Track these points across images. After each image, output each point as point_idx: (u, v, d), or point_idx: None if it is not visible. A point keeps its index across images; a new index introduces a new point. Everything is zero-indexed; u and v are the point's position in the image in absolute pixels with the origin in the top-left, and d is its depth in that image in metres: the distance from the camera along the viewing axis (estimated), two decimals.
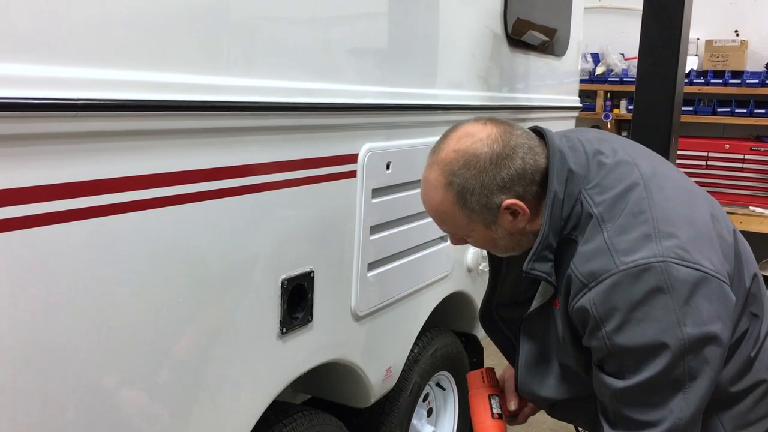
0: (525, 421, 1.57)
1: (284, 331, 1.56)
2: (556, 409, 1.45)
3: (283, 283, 1.54)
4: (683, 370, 1.10)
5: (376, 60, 1.84)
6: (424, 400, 2.46)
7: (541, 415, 1.57)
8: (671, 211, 1.17)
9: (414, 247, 2.07)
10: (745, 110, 5.20)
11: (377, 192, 1.84)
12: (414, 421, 2.36)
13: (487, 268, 2.52)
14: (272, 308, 1.53)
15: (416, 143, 2.01)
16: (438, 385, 2.55)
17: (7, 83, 0.96)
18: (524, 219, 1.24)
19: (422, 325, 2.23)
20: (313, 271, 1.64)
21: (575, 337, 1.24)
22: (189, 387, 1.36)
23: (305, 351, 1.67)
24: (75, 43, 1.06)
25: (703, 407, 1.15)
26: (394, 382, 2.13)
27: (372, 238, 1.84)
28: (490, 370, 1.60)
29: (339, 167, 1.70)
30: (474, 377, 1.60)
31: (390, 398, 2.17)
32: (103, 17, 1.10)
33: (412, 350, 2.21)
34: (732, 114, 5.25)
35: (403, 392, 2.20)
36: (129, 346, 1.22)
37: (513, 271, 1.51)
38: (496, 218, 1.24)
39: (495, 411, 1.51)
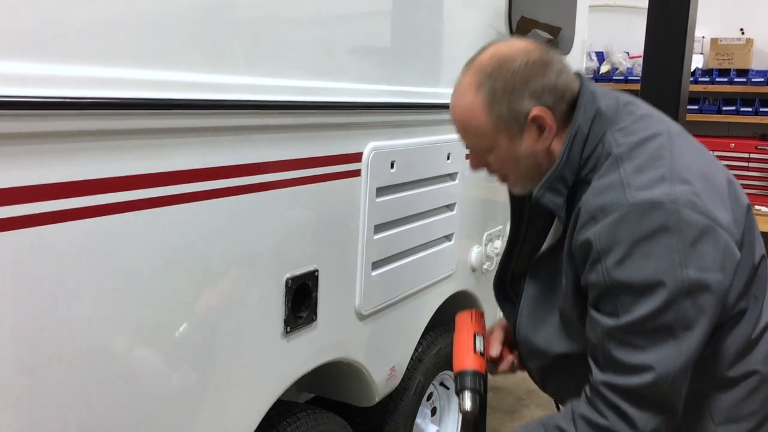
0: (506, 370, 1.52)
1: (288, 330, 1.56)
2: (548, 379, 1.43)
3: (287, 282, 1.54)
4: (678, 315, 1.09)
5: (381, 58, 1.84)
6: (428, 399, 2.45)
7: (543, 412, 1.56)
8: (689, 163, 1.18)
9: (418, 246, 2.07)
10: (750, 109, 5.17)
11: (381, 191, 1.83)
12: (418, 420, 2.36)
13: (491, 268, 2.53)
14: (276, 307, 1.53)
15: (420, 142, 2.00)
16: (442, 384, 2.55)
17: (18, 81, 0.96)
18: (549, 137, 1.23)
19: (426, 324, 2.22)
20: (317, 270, 1.64)
21: (576, 283, 1.23)
22: (193, 386, 1.36)
23: (309, 350, 1.67)
24: (83, 41, 1.06)
25: (693, 361, 1.13)
26: (398, 382, 2.13)
27: (376, 237, 1.84)
28: (480, 314, 1.58)
29: (343, 166, 1.70)
30: (463, 316, 1.58)
31: (394, 397, 2.16)
32: (113, 15, 1.10)
33: (416, 349, 2.21)
34: (737, 113, 5.22)
35: (407, 391, 2.20)
36: (132, 345, 1.22)
37: (529, 239, 1.49)
38: (522, 130, 1.23)
39: (478, 348, 1.49)
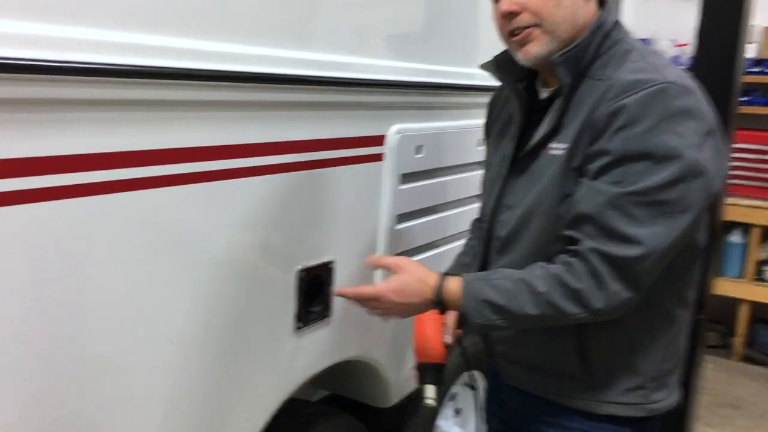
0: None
1: (300, 326, 1.45)
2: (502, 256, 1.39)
3: (298, 274, 1.43)
4: (681, 193, 1.15)
5: (410, 34, 1.72)
6: (452, 399, 2.34)
7: None
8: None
9: (443, 238, 1.95)
10: None
11: (406, 177, 1.71)
12: (440, 422, 2.25)
13: None
14: (287, 301, 1.42)
15: (450, 126, 1.88)
16: (467, 384, 2.43)
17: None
18: None
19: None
20: (332, 262, 1.52)
21: (569, 164, 1.24)
22: (200, 383, 1.26)
23: (323, 347, 1.56)
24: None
25: (679, 244, 1.20)
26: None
27: (399, 227, 1.72)
28: None
29: (364, 149, 1.58)
30: None
31: (414, 398, 2.05)
32: None
33: None
34: None
35: None
36: (137, 341, 1.12)
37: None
38: None
39: (445, 341, 1.46)
